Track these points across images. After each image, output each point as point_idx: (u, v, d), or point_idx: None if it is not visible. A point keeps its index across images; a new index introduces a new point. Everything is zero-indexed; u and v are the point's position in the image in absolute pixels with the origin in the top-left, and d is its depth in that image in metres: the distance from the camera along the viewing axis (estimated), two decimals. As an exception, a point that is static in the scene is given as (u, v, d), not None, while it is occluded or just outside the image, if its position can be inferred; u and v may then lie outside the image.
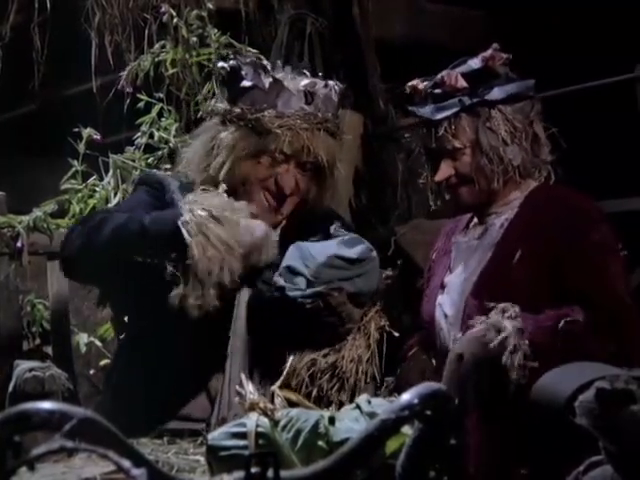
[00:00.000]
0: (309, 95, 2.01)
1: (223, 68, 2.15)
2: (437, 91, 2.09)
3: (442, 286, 2.13)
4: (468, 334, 1.81)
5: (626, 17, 4.27)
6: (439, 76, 2.09)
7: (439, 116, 2.07)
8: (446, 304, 2.09)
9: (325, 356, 1.97)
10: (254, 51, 3.05)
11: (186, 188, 2.03)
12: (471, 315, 1.96)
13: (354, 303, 1.85)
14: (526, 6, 4.56)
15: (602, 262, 1.99)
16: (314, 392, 1.98)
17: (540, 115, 2.12)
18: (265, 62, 2.17)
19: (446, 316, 2.08)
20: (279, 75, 2.04)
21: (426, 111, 2.09)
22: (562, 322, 1.83)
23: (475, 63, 2.09)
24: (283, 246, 1.94)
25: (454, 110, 2.05)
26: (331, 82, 2.08)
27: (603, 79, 3.54)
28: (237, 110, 2.00)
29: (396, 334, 1.88)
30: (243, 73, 2.02)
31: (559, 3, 4.47)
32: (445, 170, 2.09)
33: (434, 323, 2.10)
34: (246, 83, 2.01)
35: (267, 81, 2.00)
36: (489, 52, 2.09)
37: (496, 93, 2.06)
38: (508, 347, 1.75)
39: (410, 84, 2.15)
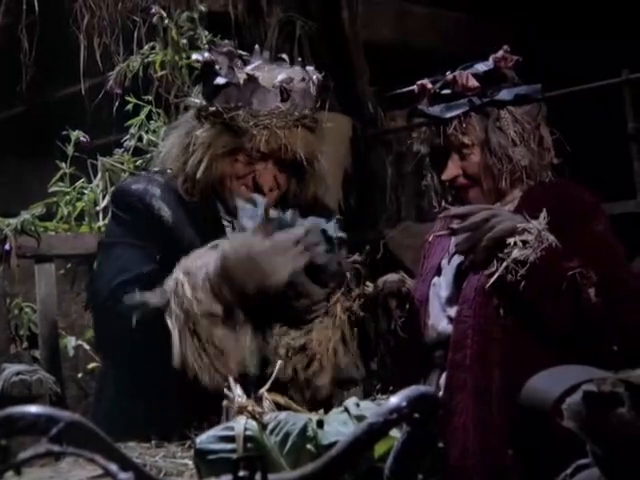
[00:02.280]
0: (285, 92, 1.96)
1: (198, 61, 2.11)
2: (446, 91, 2.10)
3: (439, 268, 2.12)
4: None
5: (614, 21, 4.30)
6: (450, 76, 2.10)
7: (449, 114, 2.07)
8: (442, 286, 2.08)
9: (293, 339, 1.91)
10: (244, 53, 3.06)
11: (167, 188, 2.01)
12: (468, 296, 1.97)
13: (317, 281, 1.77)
14: (513, 9, 4.58)
15: (607, 251, 1.97)
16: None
17: (545, 119, 2.13)
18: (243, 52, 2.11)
19: (440, 297, 2.07)
20: (256, 64, 2.01)
21: (436, 110, 2.10)
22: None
23: (485, 65, 2.11)
24: None
25: (464, 109, 2.06)
26: (309, 73, 2.03)
27: (591, 83, 3.56)
28: (212, 108, 1.96)
29: (362, 314, 1.87)
30: (217, 67, 1.98)
31: (548, 5, 4.49)
32: (453, 169, 2.09)
33: (426, 303, 2.09)
34: (220, 80, 1.96)
35: (241, 77, 1.95)
36: (500, 53, 2.11)
37: (505, 94, 2.08)
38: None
39: (419, 83, 2.15)
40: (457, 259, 2.05)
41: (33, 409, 0.87)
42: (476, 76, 2.08)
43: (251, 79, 1.95)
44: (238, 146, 1.95)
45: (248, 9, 3.96)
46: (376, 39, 4.49)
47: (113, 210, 2.07)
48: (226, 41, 2.19)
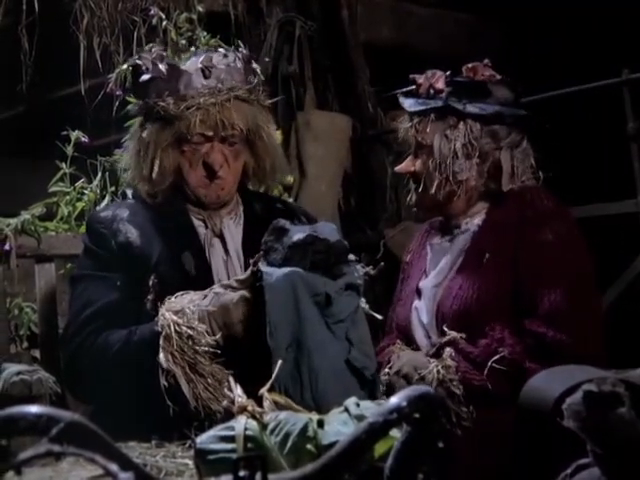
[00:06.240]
0: (206, 70, 2.01)
1: (127, 69, 2.15)
2: (423, 90, 2.10)
3: (418, 290, 2.12)
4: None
5: (614, 21, 4.30)
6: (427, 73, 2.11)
7: (413, 109, 2.09)
8: (422, 310, 2.08)
9: None
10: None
11: (137, 208, 2.05)
12: (445, 322, 1.98)
13: None
14: (514, 9, 4.58)
15: (554, 262, 1.95)
16: None
17: (516, 147, 2.07)
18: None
19: (422, 323, 2.07)
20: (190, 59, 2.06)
21: (408, 101, 2.11)
22: (490, 362, 1.86)
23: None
24: (251, 238, 1.94)
25: (426, 107, 2.07)
26: (232, 52, 2.08)
27: (591, 83, 3.56)
28: (145, 105, 2.01)
29: (379, 317, 1.86)
30: (144, 68, 2.02)
31: (548, 6, 4.49)
32: (406, 165, 2.12)
33: (410, 328, 2.10)
34: (145, 77, 2.01)
35: (164, 68, 2.00)
36: (472, 64, 2.09)
37: (472, 108, 2.04)
38: (432, 383, 1.85)
39: (412, 76, 2.15)
40: (431, 280, 2.06)
41: (33, 409, 0.87)
42: (453, 82, 2.06)
43: (173, 67, 2.01)
44: (178, 135, 1.99)
45: (248, 9, 3.96)
46: (376, 39, 4.49)
47: (83, 239, 2.12)
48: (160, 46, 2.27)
